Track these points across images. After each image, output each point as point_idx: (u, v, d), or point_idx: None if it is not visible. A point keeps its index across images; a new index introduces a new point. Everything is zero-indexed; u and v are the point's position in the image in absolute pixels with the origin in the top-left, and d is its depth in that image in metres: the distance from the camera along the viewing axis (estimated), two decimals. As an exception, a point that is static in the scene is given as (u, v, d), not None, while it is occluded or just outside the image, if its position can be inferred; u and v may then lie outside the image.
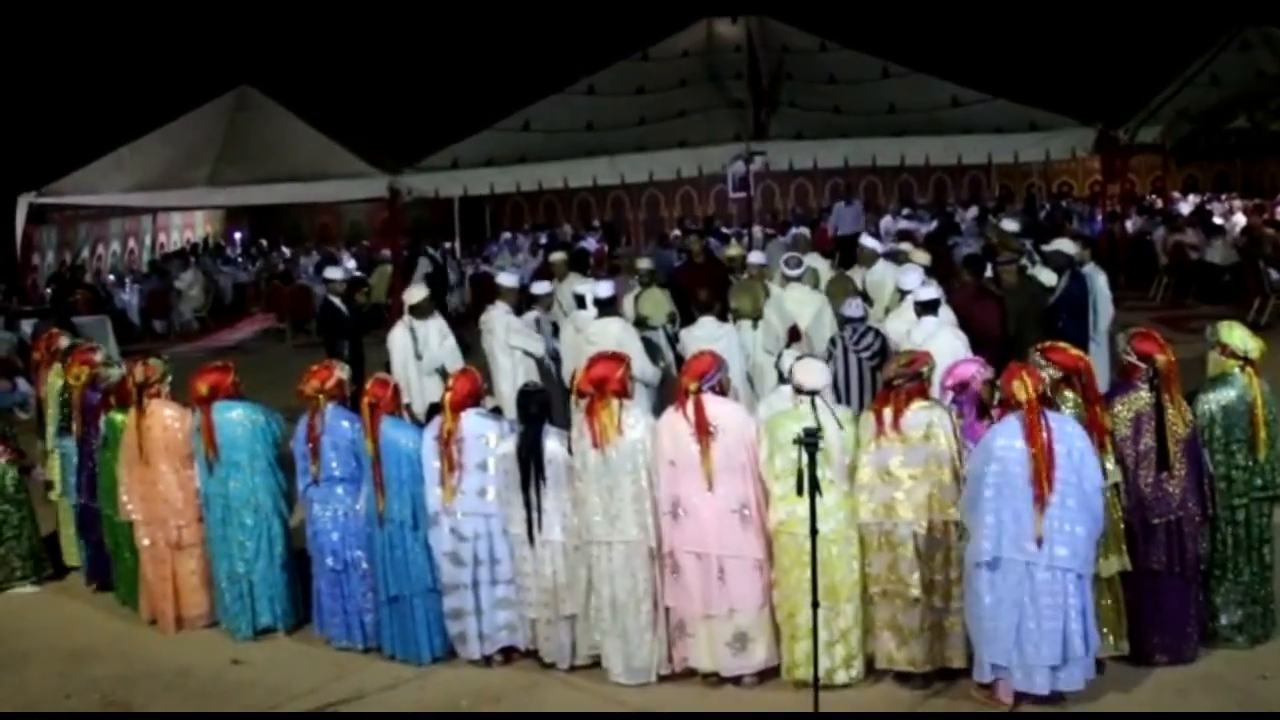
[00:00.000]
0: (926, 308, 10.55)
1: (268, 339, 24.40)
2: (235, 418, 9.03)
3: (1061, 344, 7.93)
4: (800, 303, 12.04)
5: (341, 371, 8.95)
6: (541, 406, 8.17)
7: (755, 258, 14.04)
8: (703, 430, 7.65)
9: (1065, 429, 7.09)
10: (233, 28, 29.86)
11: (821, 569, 7.33)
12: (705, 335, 10.95)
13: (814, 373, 7.83)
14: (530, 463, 7.95)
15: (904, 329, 10.63)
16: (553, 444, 8.02)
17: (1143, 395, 7.63)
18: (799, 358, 8.20)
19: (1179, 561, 7.62)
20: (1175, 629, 7.72)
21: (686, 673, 8.02)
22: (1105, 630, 7.63)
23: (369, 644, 8.72)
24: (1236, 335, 8.03)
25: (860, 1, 30.31)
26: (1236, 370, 7.90)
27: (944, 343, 9.84)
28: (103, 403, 9.79)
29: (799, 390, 7.75)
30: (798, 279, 12.50)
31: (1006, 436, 7.06)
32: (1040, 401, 7.07)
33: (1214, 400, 7.81)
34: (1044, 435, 6.93)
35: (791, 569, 7.60)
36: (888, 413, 7.56)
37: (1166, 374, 7.58)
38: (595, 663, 8.14)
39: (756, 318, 11.79)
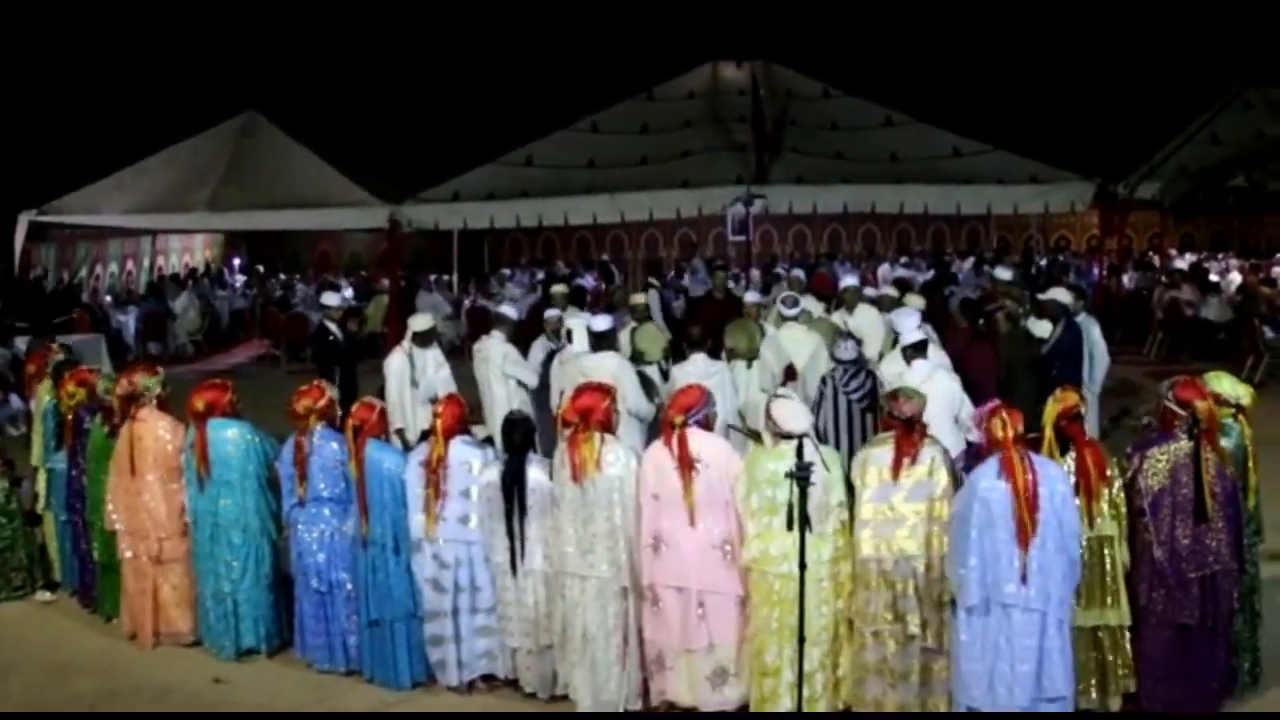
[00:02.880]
0: (916, 350, 10.54)
1: (263, 365, 24.37)
2: (230, 436, 9.02)
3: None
4: (797, 342, 12.05)
5: (331, 392, 8.96)
6: (526, 435, 8.18)
7: (751, 297, 14.10)
8: (685, 464, 7.65)
9: (1048, 472, 7.11)
10: (240, 54, 29.95)
11: (791, 608, 7.36)
12: (697, 372, 10.94)
13: (794, 415, 7.71)
14: (513, 491, 7.95)
15: (898, 371, 10.63)
16: (537, 473, 8.02)
17: (1181, 445, 7.54)
18: (773, 397, 8.12)
19: (1211, 616, 7.54)
20: (1199, 683, 7.64)
21: (666, 707, 7.99)
22: (1092, 682, 7.62)
23: (351, 667, 8.70)
24: (1225, 384, 8.08)
25: (865, 50, 30.46)
26: (1231, 419, 7.92)
27: (940, 385, 9.86)
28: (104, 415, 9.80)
29: (778, 434, 7.69)
30: (794, 318, 12.51)
31: (989, 478, 7.08)
32: (1021, 442, 7.08)
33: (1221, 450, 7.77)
34: (1028, 476, 6.95)
35: (760, 606, 7.62)
36: (907, 458, 7.52)
37: (1208, 422, 7.50)
38: (574, 693, 8.13)
39: (752, 357, 11.81)
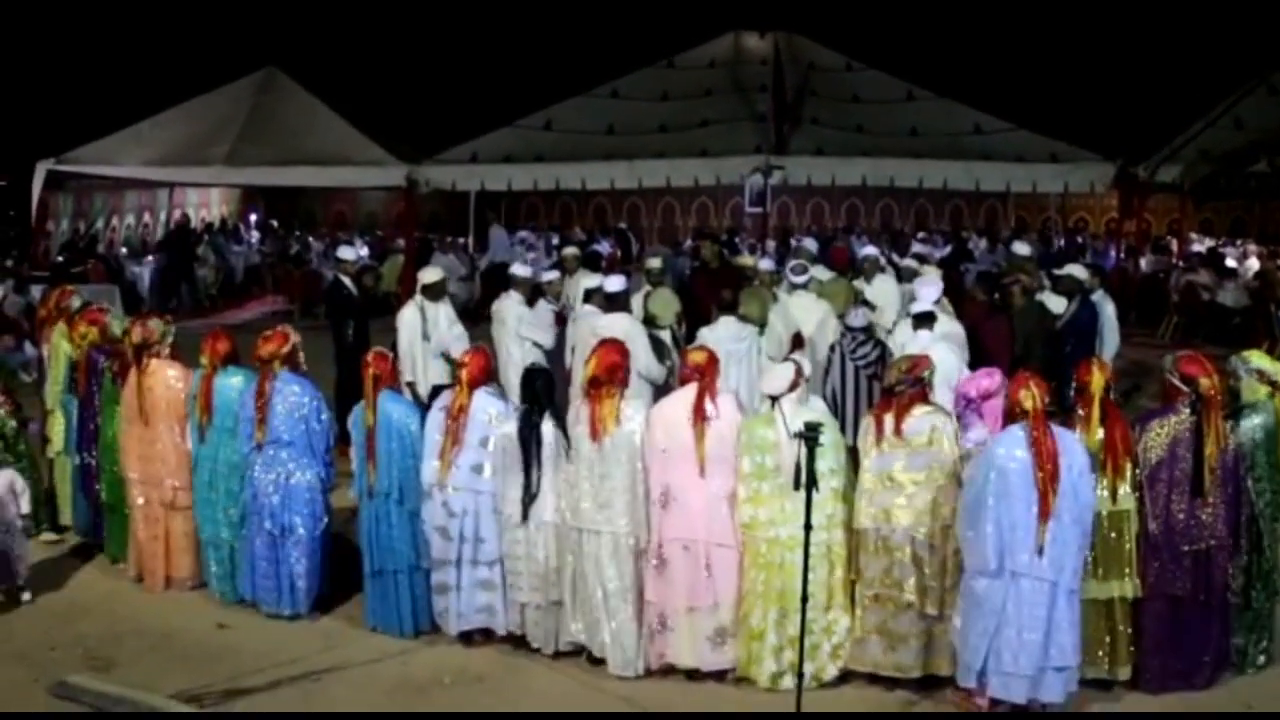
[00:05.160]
0: (921, 320, 10.59)
1: (276, 320, 24.33)
2: (235, 384, 9.05)
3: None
4: (805, 310, 12.04)
5: (295, 338, 9.02)
6: (546, 387, 8.17)
7: (765, 264, 14.11)
8: (700, 414, 7.67)
9: (1068, 444, 7.14)
10: (263, 9, 29.90)
11: (777, 572, 7.52)
12: (727, 335, 10.96)
13: (769, 377, 7.97)
14: (530, 441, 7.95)
15: (902, 341, 10.63)
16: (549, 426, 8.02)
17: (1183, 419, 7.57)
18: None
19: (1204, 589, 7.58)
20: (1191, 656, 7.68)
21: (665, 670, 7.99)
22: (1102, 654, 7.64)
23: (297, 610, 8.81)
24: (1266, 361, 8.08)
25: (889, 24, 30.32)
26: (1265, 396, 7.90)
27: (938, 356, 9.83)
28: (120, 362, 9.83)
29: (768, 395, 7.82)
30: (803, 286, 12.49)
31: (1008, 446, 7.10)
32: (1045, 414, 7.10)
33: (1255, 427, 7.76)
34: (1050, 447, 6.97)
35: (749, 569, 7.68)
36: (889, 418, 7.58)
37: (1209, 398, 7.51)
38: (577, 650, 8.15)
39: (764, 324, 11.78)
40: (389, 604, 8.53)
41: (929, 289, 11.22)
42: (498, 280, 16.31)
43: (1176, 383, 7.66)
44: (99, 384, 9.93)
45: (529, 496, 7.98)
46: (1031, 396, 7.13)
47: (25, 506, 9.16)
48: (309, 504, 8.75)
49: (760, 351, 11.35)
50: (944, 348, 10.17)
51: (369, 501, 8.47)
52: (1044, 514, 6.97)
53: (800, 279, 12.57)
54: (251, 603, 9.06)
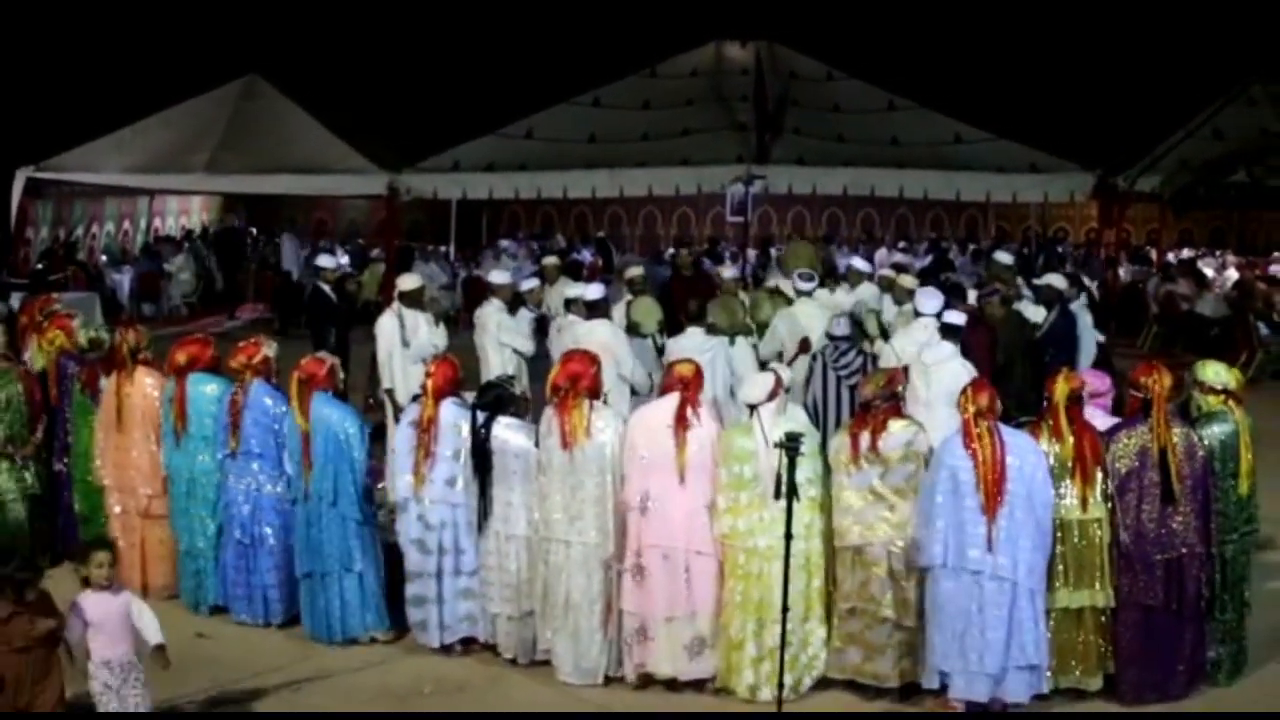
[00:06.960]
0: (949, 331, 10.46)
1: (256, 328, 24.27)
2: (209, 391, 9.02)
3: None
4: (811, 316, 12.06)
5: (268, 349, 9.00)
6: (497, 400, 8.19)
7: (729, 273, 14.16)
8: (683, 422, 7.67)
9: (1019, 443, 7.30)
10: (244, 16, 29.82)
11: (755, 583, 7.53)
12: (693, 346, 10.95)
13: (748, 386, 8.03)
14: (478, 452, 8.00)
15: (913, 349, 10.55)
16: (521, 438, 8.03)
17: (1150, 428, 7.62)
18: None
19: (1177, 599, 7.61)
20: (1166, 666, 7.71)
21: (643, 680, 7.99)
22: (1074, 663, 7.67)
23: (270, 619, 8.84)
24: (1209, 371, 8.12)
25: (870, 33, 30.36)
26: (1223, 406, 7.92)
27: (949, 370, 9.82)
28: (101, 367, 9.77)
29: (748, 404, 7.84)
30: (810, 294, 12.53)
31: (958, 447, 7.24)
32: (989, 415, 7.23)
33: (1214, 436, 7.82)
34: (996, 447, 7.11)
35: (728, 579, 7.69)
36: (865, 436, 7.58)
37: (1155, 400, 7.59)
38: (553, 659, 8.15)
39: (734, 334, 11.77)
40: (318, 609, 8.54)
41: (934, 300, 11.16)
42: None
43: (1131, 390, 7.80)
44: (69, 388, 9.89)
45: (484, 507, 8.01)
46: (964, 400, 7.33)
47: (154, 637, 7.08)
48: (279, 515, 8.75)
49: (728, 360, 11.34)
50: (959, 363, 10.09)
51: (303, 504, 8.48)
52: (989, 511, 7.07)
53: (808, 285, 12.61)
54: (222, 609, 9.07)
